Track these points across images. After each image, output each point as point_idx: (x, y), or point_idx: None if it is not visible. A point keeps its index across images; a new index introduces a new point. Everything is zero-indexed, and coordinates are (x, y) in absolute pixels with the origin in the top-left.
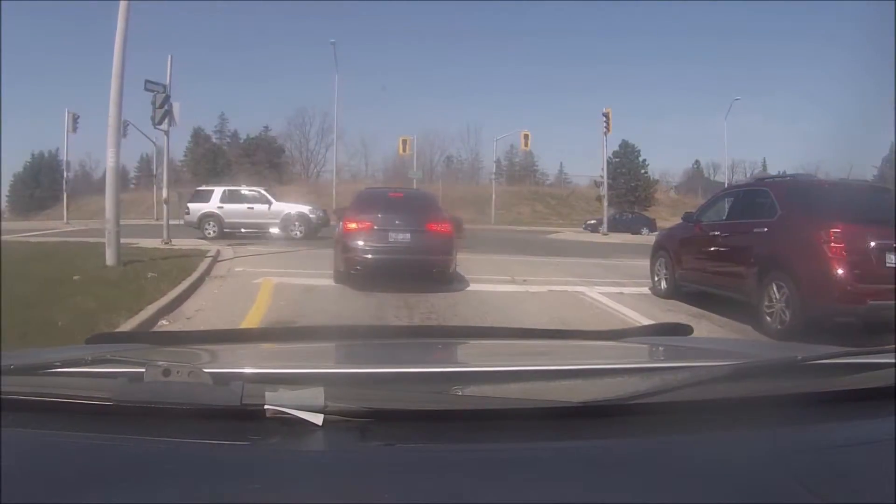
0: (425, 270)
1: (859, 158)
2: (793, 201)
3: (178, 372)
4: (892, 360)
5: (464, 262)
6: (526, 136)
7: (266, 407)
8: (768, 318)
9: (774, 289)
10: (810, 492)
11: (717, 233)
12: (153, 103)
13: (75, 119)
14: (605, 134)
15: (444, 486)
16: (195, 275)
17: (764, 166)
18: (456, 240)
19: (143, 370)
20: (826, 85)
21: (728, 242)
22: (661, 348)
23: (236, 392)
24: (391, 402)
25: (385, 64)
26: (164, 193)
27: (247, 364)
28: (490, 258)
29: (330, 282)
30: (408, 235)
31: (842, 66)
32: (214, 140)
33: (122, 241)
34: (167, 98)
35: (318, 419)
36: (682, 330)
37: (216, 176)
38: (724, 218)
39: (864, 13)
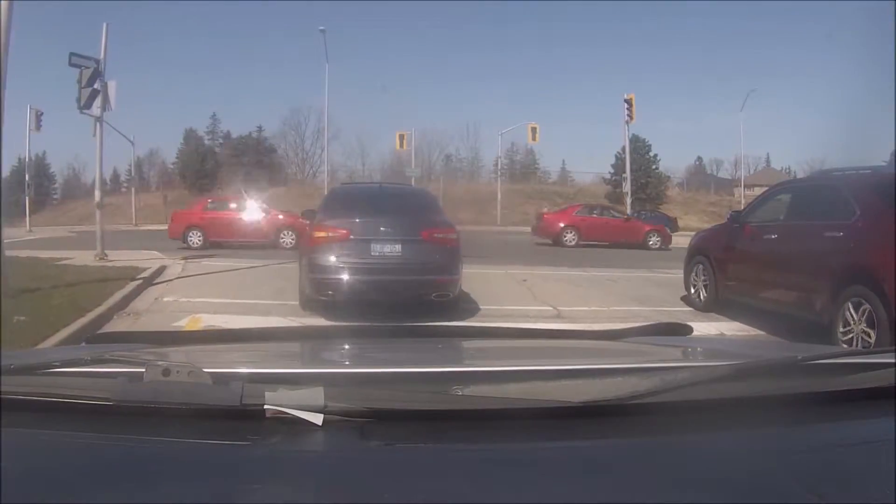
0: (422, 295)
1: (865, 152)
2: (875, 200)
3: (177, 372)
4: (892, 360)
5: (478, 279)
6: (534, 130)
7: (266, 407)
8: (844, 345)
9: (852, 307)
10: (810, 492)
11: (773, 236)
12: (78, 81)
13: (38, 116)
14: (628, 123)
15: (444, 486)
16: (96, 312)
17: (768, 161)
18: (462, 251)
19: (143, 370)
20: (829, 80)
21: (790, 249)
22: (661, 348)
23: (236, 392)
24: (391, 402)
25: (381, 62)
26: (97, 196)
27: (247, 364)
28: (509, 272)
29: (283, 321)
30: (398, 247)
31: (844, 61)
32: (206, 141)
33: (54, 253)
34: (97, 74)
35: (318, 419)
36: (682, 330)
37: (205, 178)
38: (783, 219)
39: (864, 11)
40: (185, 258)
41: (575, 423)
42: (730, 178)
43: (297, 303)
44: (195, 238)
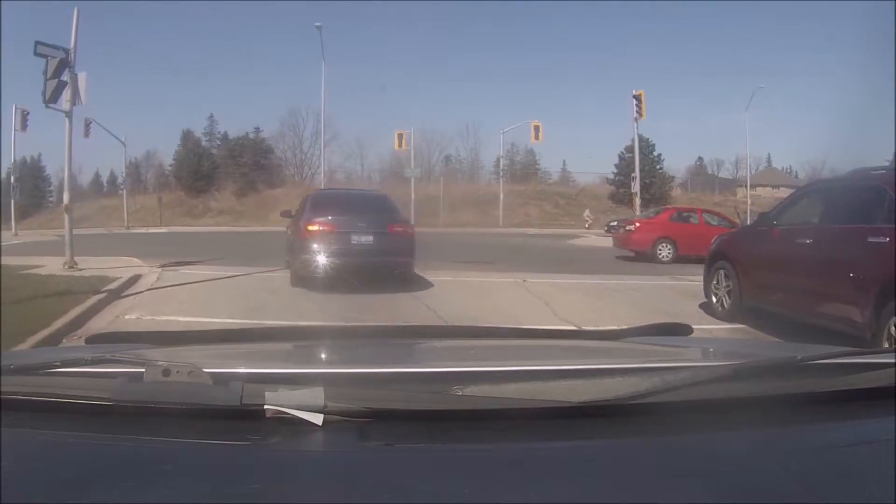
0: (388, 272)
1: (865, 152)
2: None
3: (177, 372)
4: (892, 360)
5: (486, 290)
6: (536, 128)
7: (266, 407)
8: None
9: None
10: (810, 492)
11: (807, 241)
12: (44, 73)
13: (24, 116)
14: (636, 120)
15: (444, 486)
16: (40, 335)
17: (769, 161)
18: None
19: (143, 370)
20: (829, 80)
21: (827, 255)
22: (661, 348)
23: (236, 392)
24: (391, 402)
25: (379, 62)
26: (66, 199)
27: (247, 364)
28: (520, 282)
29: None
30: (370, 238)
31: (844, 61)
32: (204, 142)
33: (28, 260)
34: (64, 65)
35: (317, 419)
36: (682, 330)
37: (201, 179)
38: (818, 222)
39: (864, 12)
40: (163, 266)
41: (575, 423)
42: (731, 178)
43: (276, 321)
44: (665, 251)
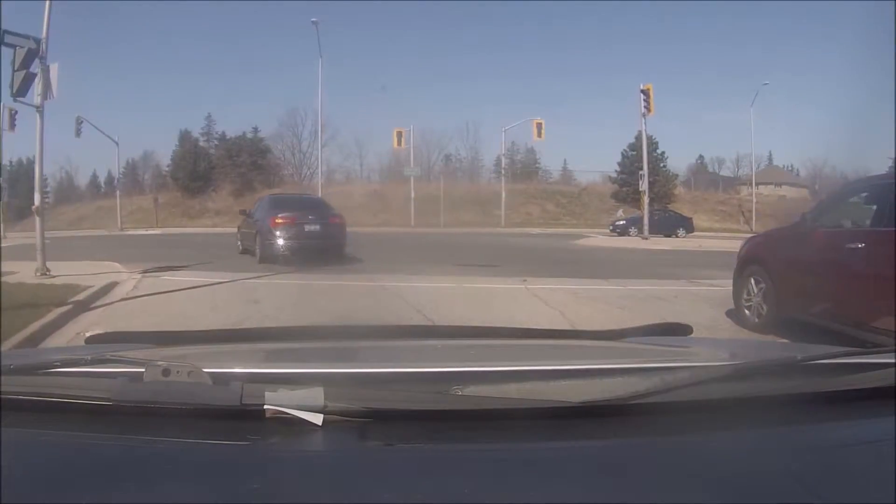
0: (329, 251)
1: (866, 151)
2: None
3: (177, 372)
4: (892, 360)
5: (494, 298)
6: (539, 126)
7: (266, 407)
8: None
9: None
10: (810, 492)
11: (859, 245)
12: (12, 64)
13: (13, 115)
14: (645, 116)
15: (443, 486)
16: None
17: (770, 160)
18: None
19: (143, 370)
20: (831, 77)
21: (885, 262)
22: (660, 348)
23: (236, 392)
24: (391, 402)
25: (379, 62)
26: (36, 200)
27: (247, 364)
28: (530, 289)
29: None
30: (318, 227)
31: (844, 60)
32: (202, 143)
33: (5, 266)
34: (33, 55)
35: (317, 419)
36: (681, 330)
37: (198, 180)
38: (871, 224)
39: (864, 11)
40: (144, 272)
41: (575, 423)
42: (731, 175)
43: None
44: None
